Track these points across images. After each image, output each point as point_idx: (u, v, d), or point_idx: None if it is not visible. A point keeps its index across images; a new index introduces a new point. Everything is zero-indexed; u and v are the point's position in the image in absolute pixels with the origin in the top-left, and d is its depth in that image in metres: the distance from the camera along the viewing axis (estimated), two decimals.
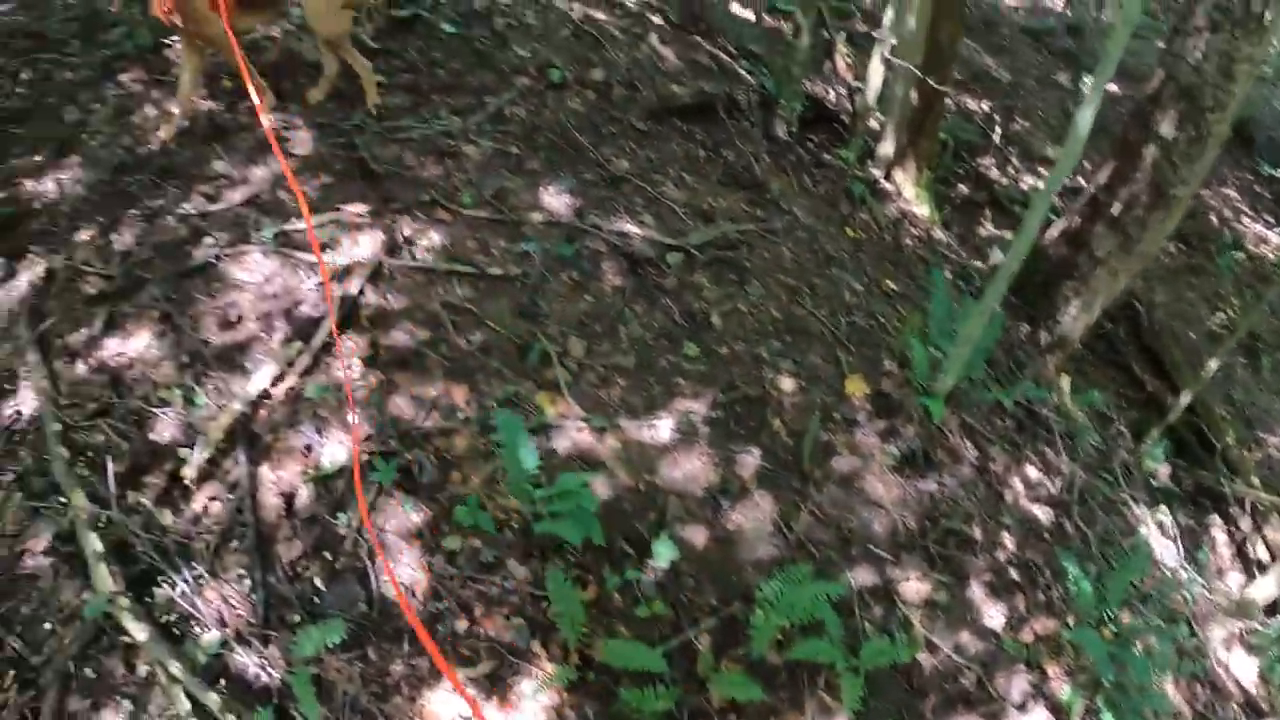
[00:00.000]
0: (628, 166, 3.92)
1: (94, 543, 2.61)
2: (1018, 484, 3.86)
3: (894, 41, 5.01)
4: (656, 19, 5.43)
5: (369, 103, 3.90)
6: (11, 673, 2.53)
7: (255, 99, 3.27)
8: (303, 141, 3.73)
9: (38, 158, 4.11)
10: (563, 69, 4.38)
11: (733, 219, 3.86)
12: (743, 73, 5.26)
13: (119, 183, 3.75)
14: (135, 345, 3.06)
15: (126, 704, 2.44)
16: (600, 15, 5.13)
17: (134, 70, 4.43)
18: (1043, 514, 3.79)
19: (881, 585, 3.10)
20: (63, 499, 2.77)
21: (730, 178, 4.20)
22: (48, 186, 3.90)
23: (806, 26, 5.15)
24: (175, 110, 3.85)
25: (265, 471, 2.69)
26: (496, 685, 2.45)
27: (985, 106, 7.79)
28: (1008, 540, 3.56)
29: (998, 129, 7.21)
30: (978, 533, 3.47)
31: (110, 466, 2.75)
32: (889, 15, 5.13)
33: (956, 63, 6.16)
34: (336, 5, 3.65)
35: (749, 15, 6.40)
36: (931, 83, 4.85)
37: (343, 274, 3.10)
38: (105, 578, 2.55)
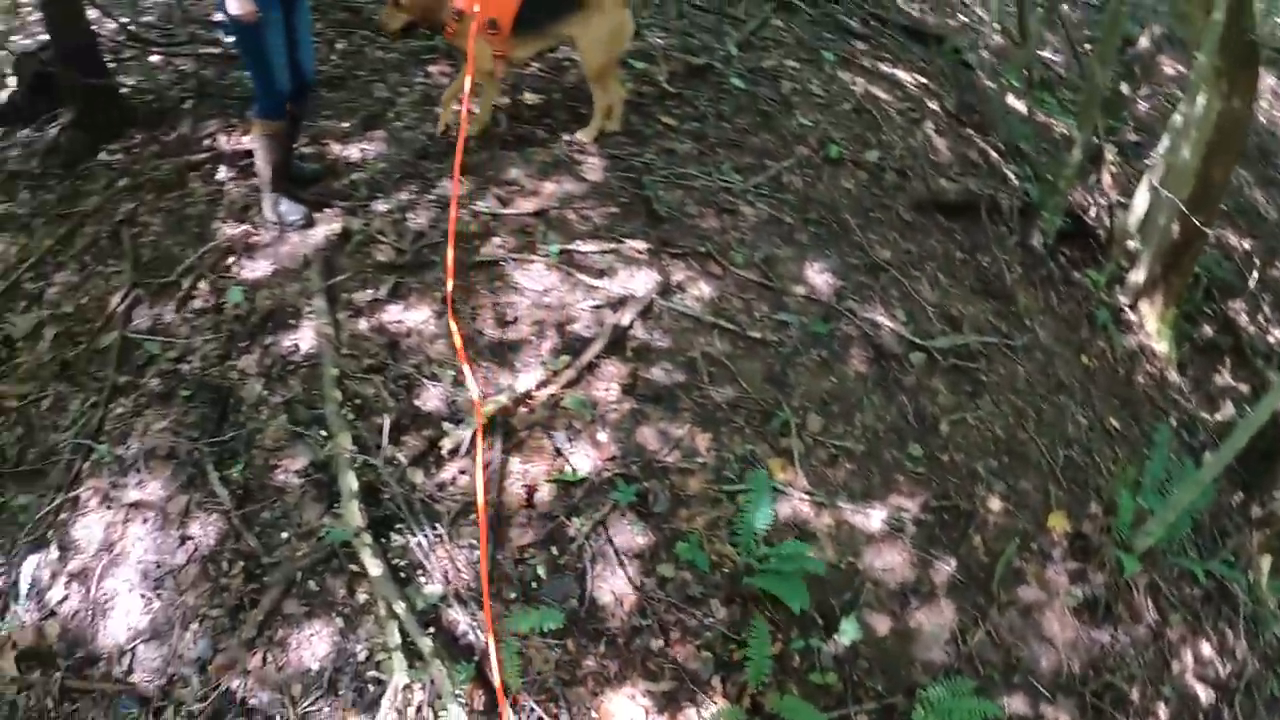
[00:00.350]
0: (888, 256, 4.09)
1: (351, 481, 2.99)
2: (1188, 657, 3.79)
3: (1165, 168, 4.95)
4: (934, 105, 5.55)
5: (590, 134, 4.23)
6: (242, 563, 2.96)
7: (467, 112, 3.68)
8: (593, 168, 4.11)
9: (345, 124, 4.68)
10: (841, 145, 4.59)
11: (978, 329, 3.96)
12: (1009, 174, 5.31)
13: (419, 166, 4.23)
14: (415, 318, 3.49)
15: (339, 621, 2.79)
16: (881, 94, 5.31)
17: (442, 64, 4.96)
18: (1204, 694, 3.71)
19: (1032, 718, 3.18)
20: (324, 433, 3.21)
21: (982, 284, 4.29)
22: (352, 153, 4.44)
23: (1080, 141, 5.15)
24: (477, 110, 4.30)
25: (515, 462, 3.04)
26: (670, 705, 2.70)
27: (1246, 245, 7.44)
28: (1161, 711, 3.52)
29: (1255, 272, 6.89)
30: (1135, 695, 3.46)
31: (376, 419, 3.16)
32: (1164, 142, 5.06)
33: (1225, 198, 5.97)
34: (613, 33, 3.96)
35: (1023, 107, 6.40)
36: (1196, 221, 4.77)
37: (617, 304, 3.45)
38: (355, 514, 2.90)
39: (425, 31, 4.30)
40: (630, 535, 2.87)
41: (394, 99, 4.84)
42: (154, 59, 6.01)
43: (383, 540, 2.88)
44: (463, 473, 3.01)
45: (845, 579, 3.01)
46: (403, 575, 2.81)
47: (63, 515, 3.26)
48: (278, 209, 4.01)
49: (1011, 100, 6.45)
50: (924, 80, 5.83)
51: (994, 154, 5.44)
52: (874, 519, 3.14)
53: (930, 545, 3.20)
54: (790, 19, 5.83)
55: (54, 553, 3.20)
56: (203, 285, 3.93)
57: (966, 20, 8.11)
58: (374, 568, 2.77)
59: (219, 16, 3.78)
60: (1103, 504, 3.79)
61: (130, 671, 2.89)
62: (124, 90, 5.33)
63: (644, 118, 4.44)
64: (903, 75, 5.73)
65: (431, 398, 3.21)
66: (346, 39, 5.61)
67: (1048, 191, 5.13)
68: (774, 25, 5.69)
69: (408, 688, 2.61)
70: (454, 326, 3.28)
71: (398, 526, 2.93)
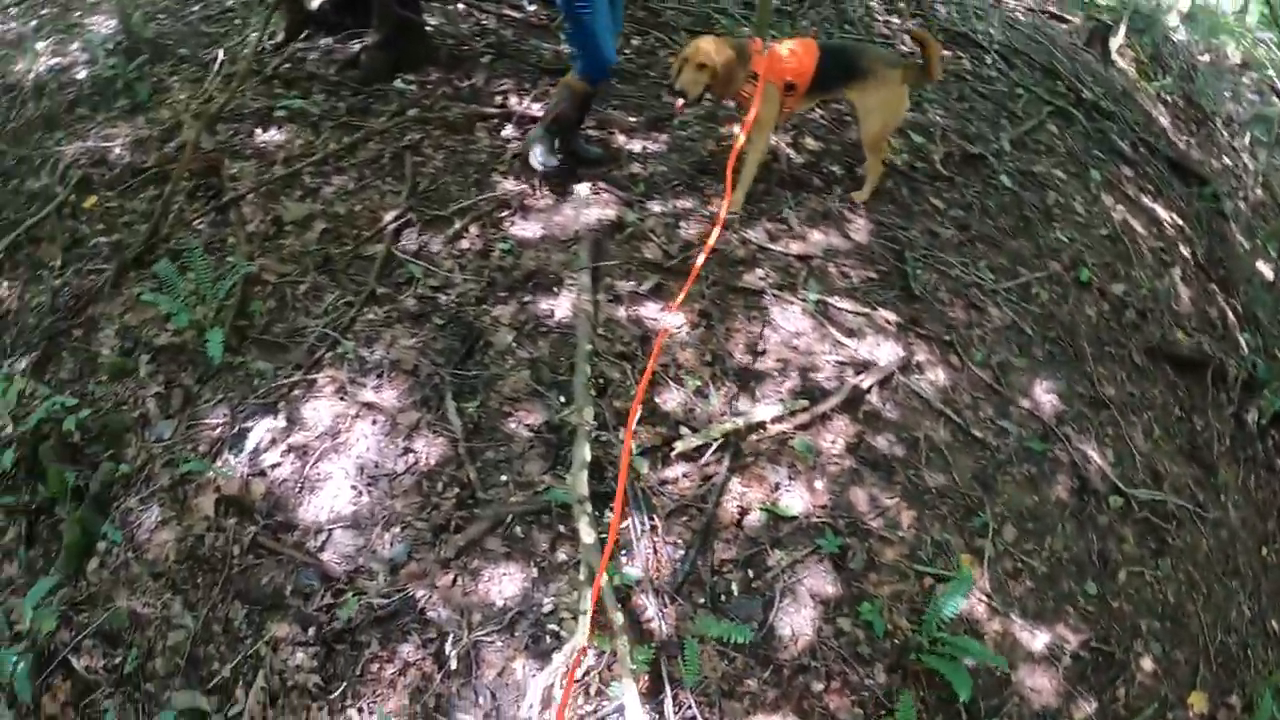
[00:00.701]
0: (1112, 394, 4.17)
1: (585, 452, 3.18)
2: None
3: None
4: (1185, 250, 5.53)
5: (863, 196, 4.41)
6: (457, 490, 3.19)
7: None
8: (859, 229, 4.31)
9: (632, 119, 4.95)
10: (1092, 271, 4.66)
11: (1176, 490, 4.02)
12: (1242, 342, 5.27)
13: (696, 180, 4.46)
14: (671, 321, 3.72)
15: (534, 571, 3.00)
16: (1138, 227, 5.32)
17: None
18: None
19: None
20: (562, 399, 3.43)
21: (1190, 447, 4.33)
22: (634, 148, 4.70)
23: None
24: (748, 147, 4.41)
25: (735, 482, 3.27)
26: None
27: None
28: None
29: None
30: None
31: (616, 402, 3.41)
32: None
33: None
34: (891, 104, 4.13)
35: (1270, 274, 6.28)
36: None
37: (860, 367, 3.67)
38: (583, 483, 3.09)
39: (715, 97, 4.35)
40: (822, 582, 3.10)
41: (671, 108, 5.09)
42: (459, 7, 6.46)
43: (597, 512, 3.08)
44: (686, 476, 3.26)
45: (997, 686, 3.17)
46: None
47: (296, 391, 3.57)
48: (538, 147, 4.27)
49: (1260, 264, 6.33)
50: (1180, 222, 5.79)
51: (1232, 316, 5.39)
52: (1038, 640, 3.29)
53: (1079, 682, 3.33)
54: (1065, 127, 5.87)
55: (281, 421, 3.50)
56: (474, 229, 4.25)
57: (1231, 164, 7.92)
58: (587, 535, 2.95)
59: None
60: (1244, 699, 3.82)
61: (322, 549, 3.13)
62: (427, 29, 5.79)
63: (914, 194, 4.62)
64: (1161, 212, 5.71)
65: (672, 399, 3.47)
66: (642, 37, 5.92)
67: (1275, 371, 5.08)
68: (1048, 129, 5.75)
69: (583, 651, 2.76)
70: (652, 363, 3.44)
71: (611, 506, 3.08)
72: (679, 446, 3.30)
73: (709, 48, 3.88)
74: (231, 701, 2.90)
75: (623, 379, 3.52)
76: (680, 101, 3.97)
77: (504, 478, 3.27)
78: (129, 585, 3.23)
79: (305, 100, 5.37)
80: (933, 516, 3.33)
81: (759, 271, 3.97)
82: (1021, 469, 3.63)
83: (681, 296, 3.25)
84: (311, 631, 2.97)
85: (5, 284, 4.62)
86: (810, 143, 4.80)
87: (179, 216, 4.58)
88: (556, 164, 4.28)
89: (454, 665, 2.85)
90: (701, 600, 3.01)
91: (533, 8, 6.29)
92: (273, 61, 5.68)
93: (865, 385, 3.56)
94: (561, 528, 3.11)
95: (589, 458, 3.20)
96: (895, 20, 6.58)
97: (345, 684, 2.85)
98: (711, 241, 3.59)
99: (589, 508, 3.06)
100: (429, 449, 3.36)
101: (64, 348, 4.14)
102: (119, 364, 3.97)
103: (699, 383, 3.51)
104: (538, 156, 4.29)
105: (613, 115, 4.90)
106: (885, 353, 3.75)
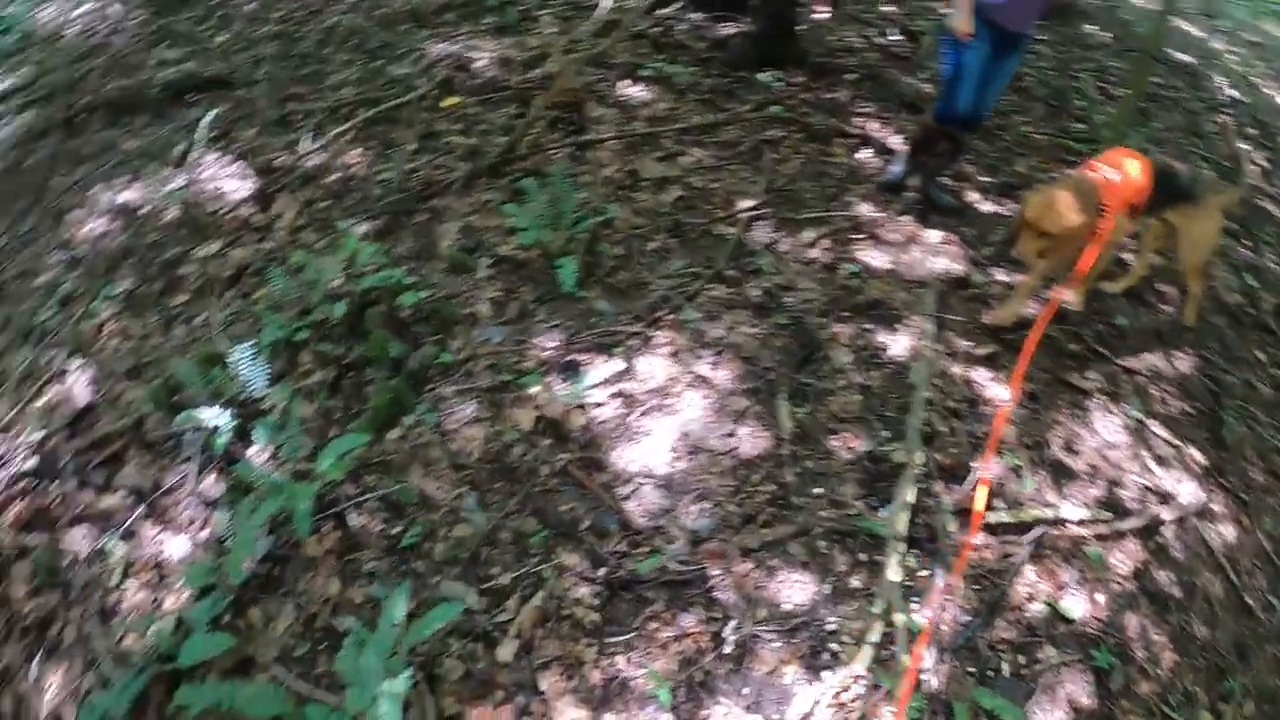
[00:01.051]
0: None
1: (909, 494, 3.36)
2: None
3: None
4: None
5: (1190, 318, 4.45)
6: (772, 486, 3.39)
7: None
8: (1183, 358, 4.37)
9: (985, 179, 5.01)
10: None
11: None
12: None
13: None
14: (1000, 394, 3.84)
15: (825, 586, 3.15)
16: None
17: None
18: None
19: None
20: (885, 433, 3.58)
21: None
22: (986, 208, 4.80)
23: None
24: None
25: (1029, 570, 3.39)
26: None
27: None
28: None
29: None
30: None
31: (938, 455, 3.57)
32: None
33: None
34: (1207, 231, 4.12)
35: None
36: None
37: (1161, 498, 3.79)
38: (901, 522, 3.29)
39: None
40: (1081, 692, 3.22)
41: (1031, 179, 5.15)
42: (821, 16, 6.50)
43: (903, 553, 3.25)
44: (986, 549, 3.41)
45: None
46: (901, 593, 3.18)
47: (633, 341, 3.80)
48: (896, 160, 4.68)
49: None
50: None
51: None
52: None
53: None
54: None
55: (616, 365, 3.71)
56: (825, 241, 4.44)
57: None
58: (893, 573, 3.15)
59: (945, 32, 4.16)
60: None
61: (628, 498, 3.33)
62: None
63: (1240, 338, 4.64)
64: None
65: (990, 468, 3.58)
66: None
67: None
68: None
69: (857, 679, 2.92)
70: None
71: (914, 551, 3.32)
72: (991, 518, 3.49)
73: (1055, 216, 3.70)
74: (502, 609, 3.10)
75: (949, 434, 3.70)
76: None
77: (818, 490, 3.43)
78: (426, 466, 3.45)
79: (674, 66, 5.55)
80: (1188, 666, 3.47)
81: (1090, 372, 4.08)
82: (1277, 649, 3.76)
83: (1018, 379, 3.37)
84: (602, 571, 3.17)
85: (358, 152, 4.99)
86: (1150, 256, 4.84)
87: (536, 140, 4.86)
88: (900, 178, 4.63)
89: (728, 649, 3.02)
90: (971, 669, 3.13)
91: (896, 37, 6.33)
92: (642, 23, 5.88)
93: (1163, 517, 3.70)
94: (863, 556, 3.28)
95: (912, 500, 3.38)
96: (1244, 145, 6.43)
97: (623, 632, 3.04)
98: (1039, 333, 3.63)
99: (901, 548, 3.25)
100: (753, 440, 3.55)
101: (405, 226, 4.46)
102: (459, 259, 4.23)
103: (1018, 462, 3.69)
104: (893, 169, 4.68)
105: (968, 170, 5.01)
106: (1186, 491, 3.86)
